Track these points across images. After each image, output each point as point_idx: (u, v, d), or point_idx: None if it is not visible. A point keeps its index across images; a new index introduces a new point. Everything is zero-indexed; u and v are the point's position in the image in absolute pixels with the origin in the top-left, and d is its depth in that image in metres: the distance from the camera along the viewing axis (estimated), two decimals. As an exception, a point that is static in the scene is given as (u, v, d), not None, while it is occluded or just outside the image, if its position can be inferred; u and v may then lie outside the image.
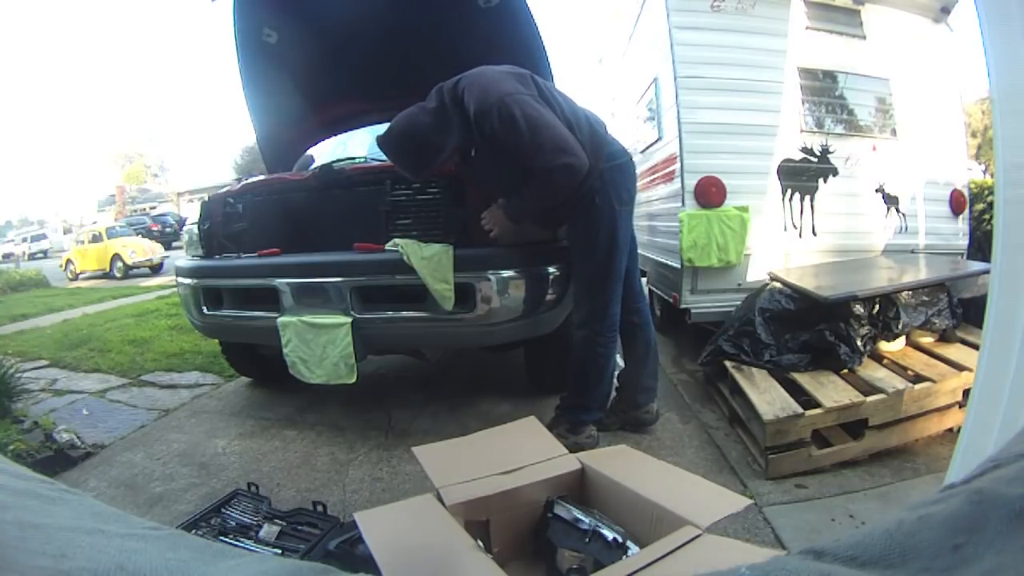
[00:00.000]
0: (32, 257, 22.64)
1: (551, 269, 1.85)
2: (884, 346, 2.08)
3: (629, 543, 1.01)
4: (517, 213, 1.69)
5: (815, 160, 2.81)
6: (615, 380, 2.00)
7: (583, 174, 1.61)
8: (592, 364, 1.81)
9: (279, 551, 1.29)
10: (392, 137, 1.65)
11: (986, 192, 4.31)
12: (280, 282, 1.88)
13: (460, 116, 1.63)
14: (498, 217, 1.71)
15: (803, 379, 1.89)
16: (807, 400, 1.75)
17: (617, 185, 1.74)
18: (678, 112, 2.68)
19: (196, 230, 2.15)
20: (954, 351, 2.00)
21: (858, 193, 2.87)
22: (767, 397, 1.77)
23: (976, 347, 1.85)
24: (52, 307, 6.37)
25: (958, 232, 3.09)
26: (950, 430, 1.80)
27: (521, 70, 1.69)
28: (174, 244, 15.04)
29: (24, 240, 26.27)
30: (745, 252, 2.69)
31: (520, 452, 1.24)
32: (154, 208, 28.89)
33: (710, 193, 2.64)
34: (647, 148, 3.42)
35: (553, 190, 1.62)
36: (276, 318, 1.88)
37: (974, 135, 12.39)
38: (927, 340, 2.14)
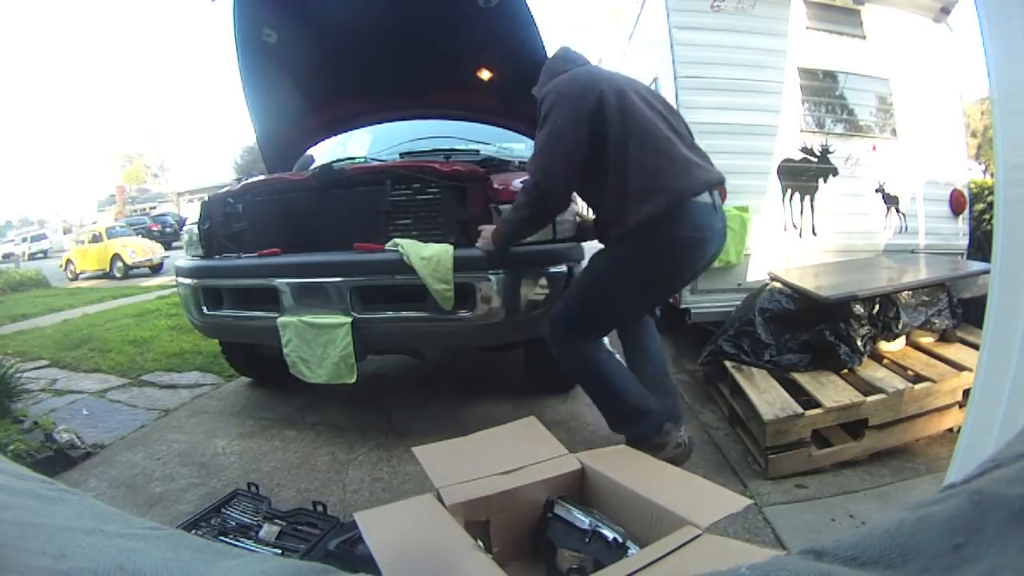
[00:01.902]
0: (32, 257, 22.63)
1: (552, 269, 1.85)
2: (884, 346, 2.08)
3: (629, 543, 1.01)
4: (498, 237, 1.66)
5: (815, 160, 2.81)
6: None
7: (547, 208, 1.58)
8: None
9: (279, 551, 1.29)
10: None
11: (986, 192, 4.31)
12: (280, 282, 1.88)
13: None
14: (487, 239, 1.69)
15: (803, 379, 1.89)
16: (807, 400, 1.75)
17: (648, 251, 1.52)
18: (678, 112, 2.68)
19: (196, 230, 2.14)
20: (954, 351, 2.00)
21: (858, 193, 2.87)
22: (767, 397, 1.77)
23: (976, 347, 1.85)
24: (52, 307, 6.36)
25: (958, 232, 3.09)
26: (950, 430, 1.80)
27: (624, 83, 1.57)
28: (174, 244, 15.04)
29: (24, 240, 26.27)
30: (745, 252, 2.69)
31: (520, 452, 1.24)
32: (154, 208, 28.92)
33: (710, 193, 2.64)
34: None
35: (516, 204, 1.60)
36: (276, 318, 1.88)
37: (974, 135, 12.39)
38: (927, 340, 2.14)
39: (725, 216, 1.64)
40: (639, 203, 1.47)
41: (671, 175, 1.47)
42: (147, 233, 15.37)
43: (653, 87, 3.12)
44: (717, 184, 1.57)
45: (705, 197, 1.52)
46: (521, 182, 1.92)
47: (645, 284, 1.59)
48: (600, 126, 1.47)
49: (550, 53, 2.24)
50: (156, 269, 11.63)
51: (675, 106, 2.69)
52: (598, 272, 1.63)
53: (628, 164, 1.47)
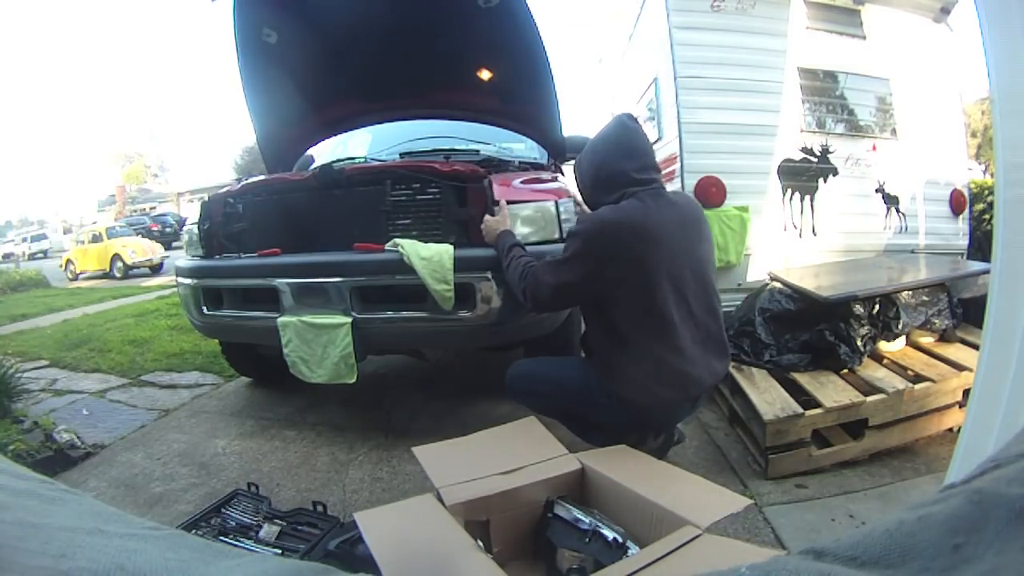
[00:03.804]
0: (32, 257, 22.65)
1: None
2: (884, 346, 2.08)
3: (629, 543, 1.01)
4: (496, 251, 1.65)
5: (815, 160, 2.81)
6: None
7: (527, 307, 1.56)
8: None
9: (279, 551, 1.29)
10: None
11: (986, 192, 4.31)
12: (280, 282, 1.88)
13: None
14: (490, 232, 1.69)
15: (803, 379, 1.89)
16: (807, 400, 1.75)
17: None
18: (678, 112, 2.68)
19: (196, 230, 2.14)
20: (954, 351, 2.00)
21: (858, 193, 2.87)
22: (767, 397, 1.77)
23: (976, 347, 1.85)
24: (52, 307, 6.36)
25: (958, 232, 3.09)
26: (950, 430, 1.80)
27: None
28: (174, 244, 15.05)
29: (24, 240, 26.30)
30: (745, 252, 2.69)
31: (520, 452, 1.24)
32: (154, 208, 28.93)
33: (710, 193, 2.64)
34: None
35: (514, 276, 1.55)
36: (276, 318, 1.88)
37: (974, 135, 12.39)
38: (927, 340, 2.14)
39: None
40: (621, 381, 1.42)
41: (658, 384, 1.40)
42: (147, 233, 15.37)
43: (653, 87, 3.12)
44: (707, 392, 1.51)
45: (686, 406, 1.51)
46: (522, 182, 1.93)
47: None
48: (610, 297, 1.40)
49: (550, 53, 2.26)
50: (156, 269, 11.63)
51: (675, 106, 2.71)
52: (568, 372, 1.59)
53: (627, 344, 1.41)
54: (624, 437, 1.43)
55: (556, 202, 1.87)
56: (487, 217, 1.72)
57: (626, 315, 1.39)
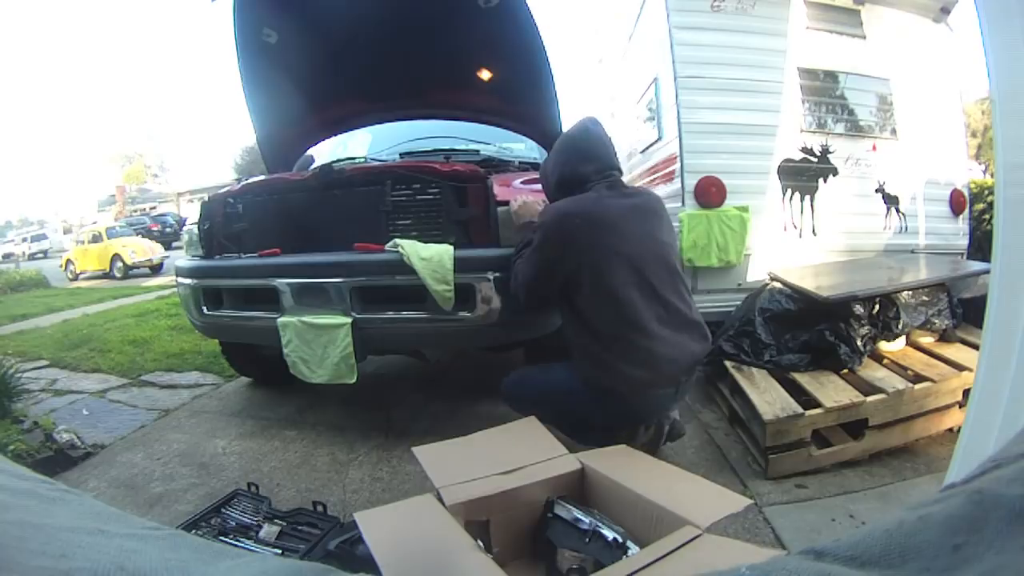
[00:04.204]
0: (32, 257, 22.68)
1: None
2: (884, 346, 2.08)
3: (629, 543, 1.01)
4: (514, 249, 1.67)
5: (815, 160, 2.81)
6: None
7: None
8: None
9: (279, 551, 1.29)
10: None
11: (986, 192, 4.31)
12: (280, 282, 1.88)
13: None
14: (522, 214, 1.70)
15: (803, 379, 1.89)
16: (807, 400, 1.75)
17: None
18: (678, 112, 2.68)
19: (196, 230, 2.14)
20: (954, 351, 2.00)
21: (858, 193, 2.87)
22: (767, 397, 1.77)
23: (976, 347, 1.85)
24: (52, 307, 6.37)
25: (958, 232, 3.09)
26: (950, 430, 1.80)
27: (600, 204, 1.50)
28: (174, 244, 15.03)
29: (24, 240, 26.32)
30: (745, 252, 2.69)
31: (520, 452, 1.24)
32: (154, 208, 28.92)
33: (710, 193, 2.64)
34: (647, 148, 3.42)
35: (515, 271, 1.60)
36: (276, 318, 1.88)
37: (974, 135, 12.40)
38: (927, 340, 2.14)
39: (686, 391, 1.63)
40: (598, 369, 1.45)
41: (625, 362, 1.42)
42: (147, 233, 15.38)
43: (653, 87, 3.12)
44: (686, 373, 1.51)
45: (666, 389, 1.50)
46: (522, 182, 1.93)
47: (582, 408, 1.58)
48: (572, 276, 1.45)
49: (550, 53, 2.26)
50: (156, 269, 11.63)
51: (675, 106, 2.71)
52: (555, 377, 1.62)
53: (596, 330, 1.45)
54: (615, 432, 1.46)
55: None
56: (526, 199, 1.72)
57: (589, 300, 1.45)
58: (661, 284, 1.46)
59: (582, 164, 1.55)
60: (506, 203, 1.76)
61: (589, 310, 1.45)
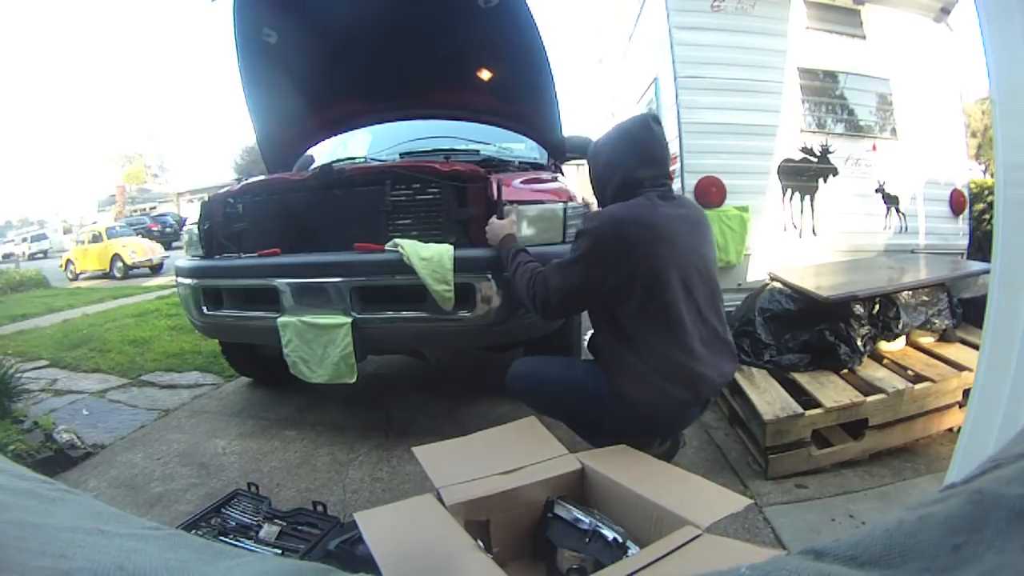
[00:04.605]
0: (32, 257, 22.69)
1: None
2: (884, 346, 2.08)
3: (629, 543, 1.01)
4: (501, 257, 1.64)
5: (815, 160, 2.81)
6: None
7: (538, 312, 1.51)
8: None
9: (279, 551, 1.29)
10: None
11: (986, 192, 4.31)
12: (280, 282, 1.88)
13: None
14: (494, 236, 1.67)
15: (803, 379, 1.89)
16: (807, 400, 1.75)
17: None
18: (678, 112, 2.68)
19: (196, 230, 2.14)
20: (954, 351, 2.00)
21: (858, 193, 2.87)
22: (767, 397, 1.77)
23: (976, 347, 1.85)
24: (52, 307, 6.36)
25: (958, 232, 3.09)
26: (950, 430, 1.80)
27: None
28: (174, 244, 15.04)
29: (24, 240, 26.33)
30: (745, 252, 2.69)
31: (520, 452, 1.24)
32: (154, 208, 28.91)
33: (710, 193, 2.64)
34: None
35: (521, 284, 1.52)
36: (276, 318, 1.88)
37: (974, 135, 12.40)
38: (927, 340, 2.14)
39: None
40: (636, 383, 1.40)
41: (667, 381, 1.37)
42: (147, 233, 15.38)
43: (653, 87, 3.12)
44: (718, 392, 1.50)
45: (696, 409, 1.48)
46: (522, 182, 1.93)
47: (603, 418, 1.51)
48: (621, 289, 1.36)
49: (550, 53, 2.26)
50: (156, 269, 11.63)
51: (675, 106, 2.71)
52: (580, 376, 1.55)
53: (641, 345, 1.38)
54: (629, 441, 1.43)
55: (566, 204, 1.87)
56: (493, 219, 1.70)
57: (637, 315, 1.37)
58: (705, 303, 1.41)
59: (641, 168, 1.44)
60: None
61: (634, 324, 1.37)
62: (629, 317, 1.38)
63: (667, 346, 1.37)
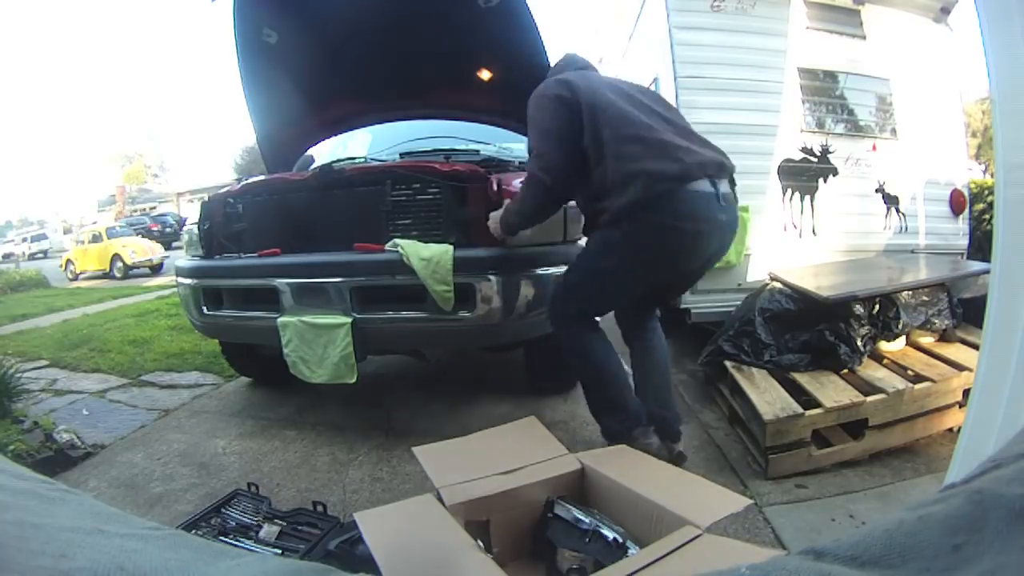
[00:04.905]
0: (32, 257, 22.68)
1: (553, 271, 1.84)
2: (884, 346, 2.08)
3: (629, 543, 1.01)
4: (504, 225, 1.66)
5: (815, 160, 2.81)
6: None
7: (548, 195, 1.57)
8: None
9: (279, 551, 1.29)
10: None
11: (986, 192, 4.31)
12: (280, 282, 1.88)
13: None
14: (495, 224, 1.69)
15: (803, 379, 1.89)
16: (807, 400, 1.75)
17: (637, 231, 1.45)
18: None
19: (196, 230, 2.14)
20: (954, 351, 2.00)
21: (858, 193, 2.87)
22: (767, 397, 1.77)
23: (976, 347, 1.85)
24: (52, 307, 6.36)
25: (958, 232, 3.09)
26: (950, 430, 1.80)
27: (574, 66, 1.70)
28: (174, 244, 15.03)
29: (24, 240, 26.32)
30: (745, 252, 2.69)
31: (520, 452, 1.24)
32: (154, 208, 28.91)
33: (710, 193, 2.64)
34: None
35: (522, 197, 1.60)
36: (276, 318, 1.88)
37: (974, 135, 12.40)
38: (927, 340, 2.14)
39: (735, 209, 1.58)
40: (617, 190, 1.44)
41: (648, 158, 1.42)
42: (147, 233, 15.36)
43: (653, 87, 3.12)
44: (715, 169, 1.47)
45: (702, 185, 1.43)
46: (522, 182, 1.93)
47: (626, 272, 1.54)
48: (576, 122, 1.49)
49: (550, 52, 2.26)
50: (156, 269, 11.63)
51: (676, 106, 2.71)
52: (585, 255, 1.63)
53: (606, 154, 1.46)
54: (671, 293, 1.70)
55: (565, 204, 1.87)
56: (492, 214, 1.71)
57: (594, 132, 1.47)
58: (655, 104, 1.57)
59: (561, 69, 1.68)
60: None
61: (594, 133, 1.46)
62: (589, 132, 1.48)
63: (628, 131, 1.46)
